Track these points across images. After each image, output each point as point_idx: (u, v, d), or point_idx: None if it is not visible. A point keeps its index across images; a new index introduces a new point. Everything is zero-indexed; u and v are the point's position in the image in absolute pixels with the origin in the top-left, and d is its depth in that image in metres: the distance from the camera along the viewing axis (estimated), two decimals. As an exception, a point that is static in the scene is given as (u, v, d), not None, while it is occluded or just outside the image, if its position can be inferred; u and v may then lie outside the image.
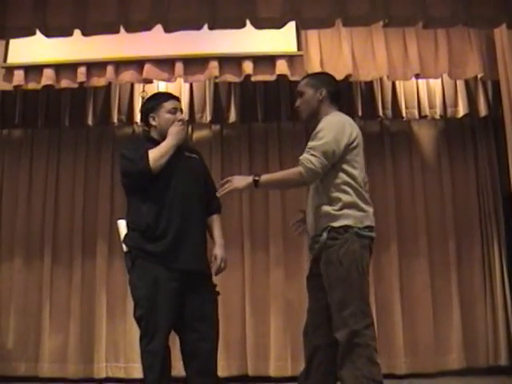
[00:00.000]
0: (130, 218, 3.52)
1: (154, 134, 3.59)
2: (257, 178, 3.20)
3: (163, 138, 3.52)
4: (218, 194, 3.26)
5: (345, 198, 3.26)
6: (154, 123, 3.57)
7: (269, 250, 6.06)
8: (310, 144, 3.27)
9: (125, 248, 3.51)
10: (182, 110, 3.68)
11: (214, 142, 6.29)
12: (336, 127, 3.30)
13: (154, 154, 3.39)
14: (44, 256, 6.09)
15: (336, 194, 3.27)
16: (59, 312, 5.99)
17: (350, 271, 3.17)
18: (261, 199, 6.07)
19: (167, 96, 3.71)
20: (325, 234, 3.24)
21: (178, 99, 3.68)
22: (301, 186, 3.36)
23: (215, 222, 3.69)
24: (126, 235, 3.51)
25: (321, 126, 3.32)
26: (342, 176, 3.28)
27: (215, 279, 3.61)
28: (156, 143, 3.51)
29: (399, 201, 6.19)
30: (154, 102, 3.64)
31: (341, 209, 3.25)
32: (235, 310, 5.91)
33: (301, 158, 3.24)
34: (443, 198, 6.18)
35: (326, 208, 3.26)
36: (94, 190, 6.26)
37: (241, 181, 3.25)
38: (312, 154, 3.21)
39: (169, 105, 3.57)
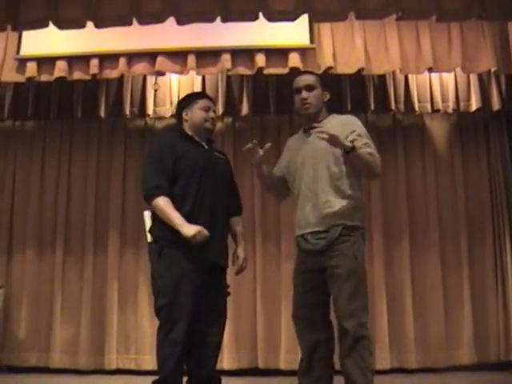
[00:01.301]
0: None
1: (185, 127, 3.71)
2: (354, 146, 3.22)
3: (195, 132, 3.66)
4: (319, 134, 3.18)
5: (357, 197, 3.37)
6: (186, 117, 3.70)
7: (280, 243, 6.08)
8: (363, 140, 3.33)
9: (149, 238, 3.57)
10: (215, 112, 3.81)
11: (227, 135, 6.31)
12: None
13: (162, 210, 3.43)
14: (56, 248, 6.15)
15: (350, 193, 3.34)
16: (71, 303, 6.05)
17: (362, 266, 3.30)
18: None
19: (203, 95, 3.98)
20: (337, 230, 3.28)
21: (213, 101, 3.83)
22: (372, 177, 3.44)
23: (237, 223, 3.79)
24: (153, 225, 3.57)
25: (353, 122, 3.43)
26: (354, 175, 3.38)
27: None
28: (188, 139, 3.64)
29: (411, 195, 6.20)
30: (190, 99, 3.80)
31: (354, 208, 3.34)
32: (246, 303, 5.95)
33: (372, 151, 3.30)
34: (455, 193, 6.18)
35: (340, 206, 3.31)
36: (105, 182, 6.31)
37: (339, 136, 3.21)
38: (375, 150, 3.34)
39: (203, 102, 3.72)
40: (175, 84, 6.12)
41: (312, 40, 5.37)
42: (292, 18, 4.74)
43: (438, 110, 6.08)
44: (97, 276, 6.10)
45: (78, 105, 6.12)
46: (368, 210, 5.85)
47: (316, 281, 3.34)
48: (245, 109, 6.04)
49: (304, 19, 5.04)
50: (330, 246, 3.28)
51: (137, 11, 4.73)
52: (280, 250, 6.06)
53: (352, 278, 3.22)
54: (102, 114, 6.07)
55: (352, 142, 3.27)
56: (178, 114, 3.78)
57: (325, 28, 5.41)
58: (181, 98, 4.02)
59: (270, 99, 6.09)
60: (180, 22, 4.75)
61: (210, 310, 3.47)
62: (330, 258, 3.28)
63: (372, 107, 6.01)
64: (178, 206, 3.43)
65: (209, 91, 5.99)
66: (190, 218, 3.41)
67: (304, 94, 3.50)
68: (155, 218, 3.53)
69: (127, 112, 6.08)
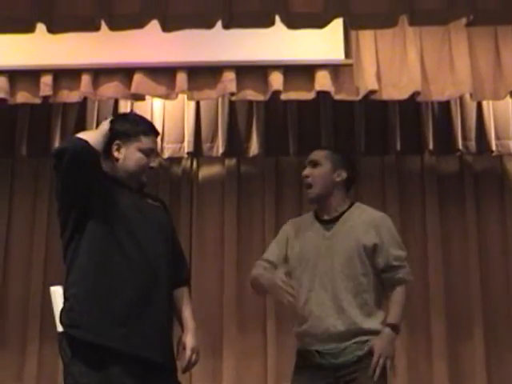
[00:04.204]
0: (72, 285, 3.39)
1: (109, 166, 3.47)
2: (393, 326, 3.61)
3: (123, 177, 3.47)
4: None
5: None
6: (117, 155, 3.48)
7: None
8: (398, 253, 3.69)
9: (60, 327, 3.42)
10: (158, 153, 3.75)
11: (228, 183, 6.30)
12: None
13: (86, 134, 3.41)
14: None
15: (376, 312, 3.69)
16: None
17: None
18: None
19: (149, 128, 3.66)
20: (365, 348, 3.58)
21: (157, 136, 3.70)
22: None
23: (184, 297, 3.64)
24: (64, 308, 3.41)
25: (388, 224, 3.76)
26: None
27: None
28: (116, 183, 3.45)
29: (486, 267, 6.13)
30: (132, 126, 3.56)
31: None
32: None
33: (402, 276, 3.67)
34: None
35: (364, 319, 3.61)
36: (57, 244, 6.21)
37: (387, 347, 3.55)
38: (407, 266, 3.73)
39: (147, 142, 3.53)
40: (159, 112, 6.13)
41: (348, 54, 5.39)
42: (321, 23, 4.74)
43: (526, 151, 6.08)
44: (43, 379, 5.98)
45: (22, 138, 6.10)
46: (424, 288, 5.86)
47: None
48: (254, 147, 6.07)
49: (337, 25, 5.08)
50: (354, 364, 3.54)
51: (106, 12, 4.74)
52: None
53: None
54: (57, 151, 6.02)
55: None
56: (107, 143, 3.53)
57: (366, 38, 5.43)
58: (117, 116, 3.90)
59: (289, 135, 6.09)
60: (166, 28, 4.76)
61: None
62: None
63: (431, 146, 6.00)
64: (99, 278, 3.30)
65: (205, 123, 6.07)
66: (107, 300, 3.27)
67: (306, 170, 3.74)
68: (68, 296, 3.37)
69: (92, 149, 6.04)
